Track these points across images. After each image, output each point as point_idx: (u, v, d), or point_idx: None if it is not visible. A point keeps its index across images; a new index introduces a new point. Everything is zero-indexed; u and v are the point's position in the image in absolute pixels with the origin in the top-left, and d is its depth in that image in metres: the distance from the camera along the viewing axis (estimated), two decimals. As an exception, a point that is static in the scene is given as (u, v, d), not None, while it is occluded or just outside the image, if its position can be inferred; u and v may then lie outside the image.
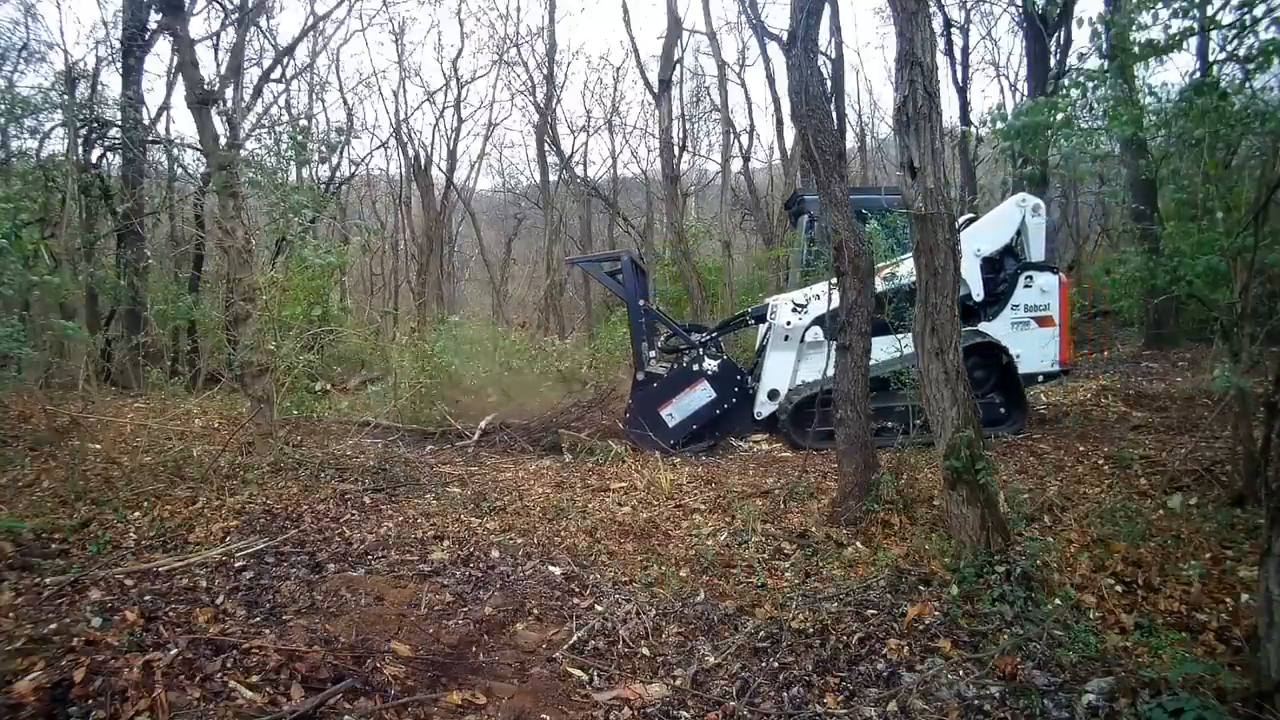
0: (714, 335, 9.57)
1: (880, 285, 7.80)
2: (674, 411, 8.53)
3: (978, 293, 8.39)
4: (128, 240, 13.67)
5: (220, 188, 7.70)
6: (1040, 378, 8.69)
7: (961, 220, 9.43)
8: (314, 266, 10.48)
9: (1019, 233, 8.62)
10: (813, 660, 3.51)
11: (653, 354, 9.16)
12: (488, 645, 3.77)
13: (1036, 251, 8.60)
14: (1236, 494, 5.14)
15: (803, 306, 8.57)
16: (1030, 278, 8.48)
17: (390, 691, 3.16)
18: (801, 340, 8.53)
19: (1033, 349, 8.36)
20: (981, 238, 8.48)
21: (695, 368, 8.69)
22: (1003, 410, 8.41)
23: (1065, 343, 8.59)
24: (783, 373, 8.60)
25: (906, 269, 7.86)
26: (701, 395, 8.57)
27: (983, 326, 8.42)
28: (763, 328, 9.34)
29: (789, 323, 8.58)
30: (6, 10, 17.09)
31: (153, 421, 8.46)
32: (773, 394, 8.66)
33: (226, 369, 9.16)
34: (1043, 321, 8.42)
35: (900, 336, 7.15)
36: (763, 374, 8.74)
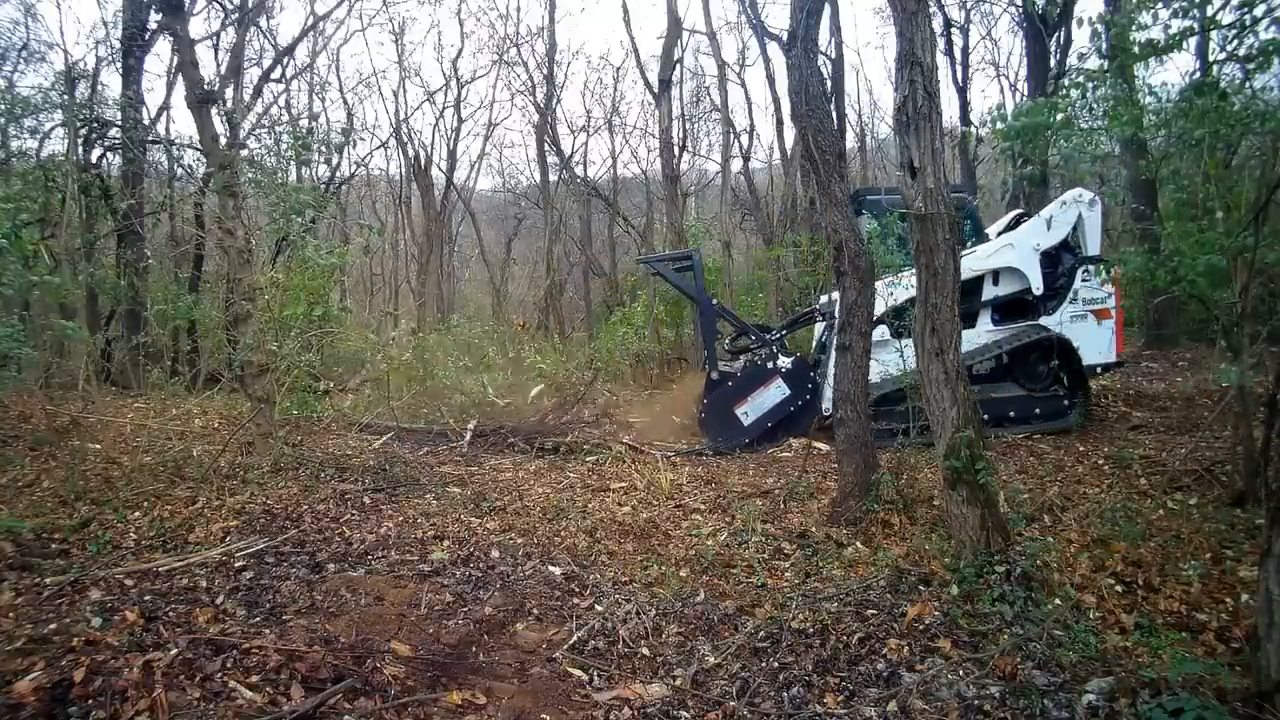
0: (783, 333, 9.58)
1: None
2: (749, 410, 8.56)
3: (1038, 287, 8.46)
4: (128, 240, 13.66)
5: (220, 188, 7.70)
6: (1098, 369, 8.80)
7: (1013, 215, 9.56)
8: (315, 266, 10.48)
9: (1075, 227, 8.68)
10: (813, 660, 3.51)
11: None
12: (488, 645, 3.77)
13: (1093, 245, 8.68)
14: (1236, 494, 5.14)
15: None
16: (1088, 271, 8.56)
17: (390, 691, 3.15)
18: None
19: (1091, 341, 8.46)
20: (1040, 233, 8.56)
21: (770, 365, 8.70)
22: (1066, 403, 8.49)
23: (1121, 334, 8.69)
24: None
25: (965, 264, 8.10)
26: (775, 393, 8.59)
27: (1043, 320, 8.54)
28: (820, 326, 9.40)
29: None
30: (6, 10, 17.14)
31: (153, 421, 8.47)
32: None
33: (227, 369, 9.14)
34: (1100, 314, 8.53)
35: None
36: (830, 371, 8.79)
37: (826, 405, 8.63)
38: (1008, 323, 8.65)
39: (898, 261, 7.28)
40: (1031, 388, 8.52)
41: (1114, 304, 8.55)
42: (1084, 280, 8.51)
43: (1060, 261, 8.79)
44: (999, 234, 9.21)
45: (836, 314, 7.55)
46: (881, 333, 8.17)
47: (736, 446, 8.11)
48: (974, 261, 8.35)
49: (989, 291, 8.64)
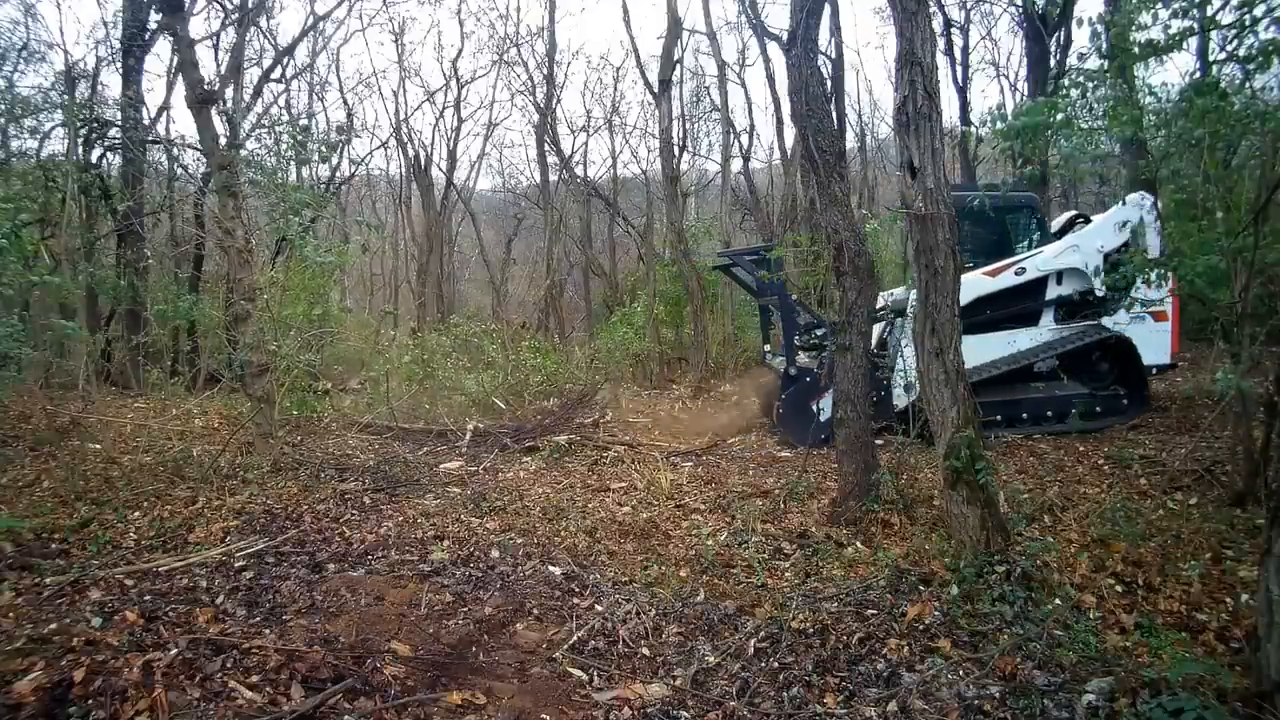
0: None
1: (994, 284, 8.33)
2: (827, 405, 8.60)
3: (1100, 288, 8.61)
4: (128, 240, 13.65)
5: (220, 188, 7.70)
6: (1153, 369, 8.96)
7: (1069, 216, 9.66)
8: (315, 266, 10.48)
9: (1135, 230, 8.78)
10: (813, 660, 3.51)
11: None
12: (488, 645, 3.77)
13: (1153, 248, 8.75)
14: (1236, 494, 5.14)
15: None
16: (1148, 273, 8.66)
17: (390, 691, 3.16)
18: None
19: (1149, 342, 8.59)
20: (1104, 235, 8.71)
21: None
22: (1125, 402, 8.66)
23: (1176, 336, 8.83)
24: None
25: (1034, 263, 8.47)
26: None
27: (1104, 321, 8.68)
28: (878, 326, 9.49)
29: None
30: (6, 10, 17.10)
31: (153, 421, 8.47)
32: (909, 387, 8.79)
33: (226, 369, 9.15)
34: (1158, 316, 8.62)
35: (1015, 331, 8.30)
36: (899, 366, 8.85)
37: (898, 401, 8.75)
38: (1069, 322, 8.77)
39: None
40: (1094, 386, 8.71)
41: (1170, 307, 8.67)
42: (1142, 282, 8.67)
43: (1121, 263, 8.95)
44: (1055, 235, 9.34)
45: (909, 310, 7.89)
46: None
47: (814, 441, 8.19)
48: (1041, 262, 8.58)
49: (1053, 291, 8.80)
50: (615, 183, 24.70)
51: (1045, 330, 8.70)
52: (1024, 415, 8.32)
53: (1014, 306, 8.55)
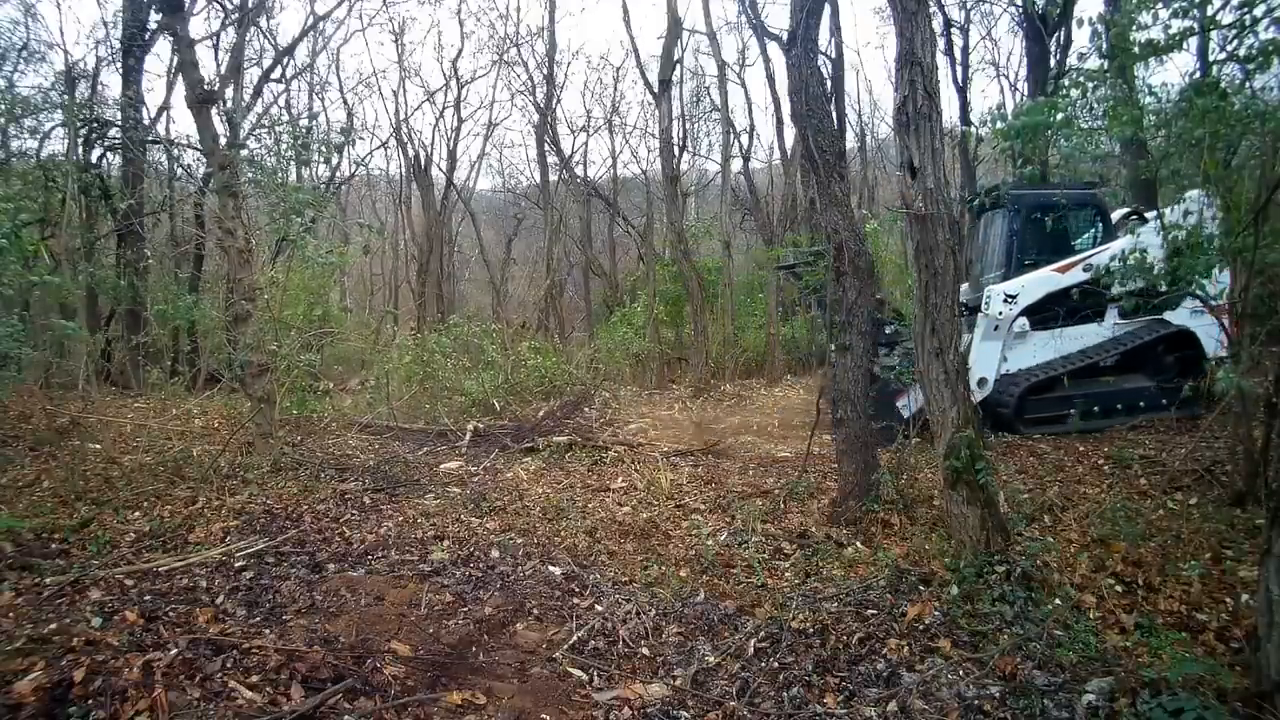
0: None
1: (1065, 280, 8.38)
2: (909, 403, 8.67)
3: (1163, 284, 8.66)
4: (128, 240, 13.66)
5: (220, 188, 7.70)
6: (1213, 362, 9.00)
7: (1126, 211, 9.73)
8: (315, 266, 10.48)
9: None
10: (813, 660, 3.51)
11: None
12: (488, 645, 3.77)
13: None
14: (1236, 494, 5.14)
15: (1013, 297, 8.80)
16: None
17: (390, 691, 3.15)
18: (1009, 330, 8.84)
19: (1208, 335, 8.67)
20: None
21: None
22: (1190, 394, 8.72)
23: (1235, 330, 8.91)
24: (990, 361, 8.86)
25: (1101, 259, 8.40)
26: None
27: (1166, 315, 8.73)
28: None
29: (1000, 313, 8.81)
30: (6, 10, 17.10)
31: (153, 421, 8.47)
32: (981, 382, 8.90)
33: (227, 369, 9.15)
34: (1217, 310, 8.69)
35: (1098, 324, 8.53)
36: (970, 362, 8.95)
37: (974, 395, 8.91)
38: (1132, 317, 8.84)
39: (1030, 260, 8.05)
40: (1160, 379, 8.79)
41: (1228, 299, 8.80)
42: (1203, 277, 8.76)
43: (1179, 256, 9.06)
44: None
45: (984, 305, 8.41)
46: (1023, 325, 8.75)
47: (896, 440, 8.29)
48: (1107, 258, 8.61)
49: (1117, 287, 8.88)
50: (615, 183, 24.72)
51: (1110, 325, 8.83)
52: (1095, 409, 8.46)
53: (1081, 302, 8.67)
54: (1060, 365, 8.55)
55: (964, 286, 9.93)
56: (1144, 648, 3.44)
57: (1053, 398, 8.60)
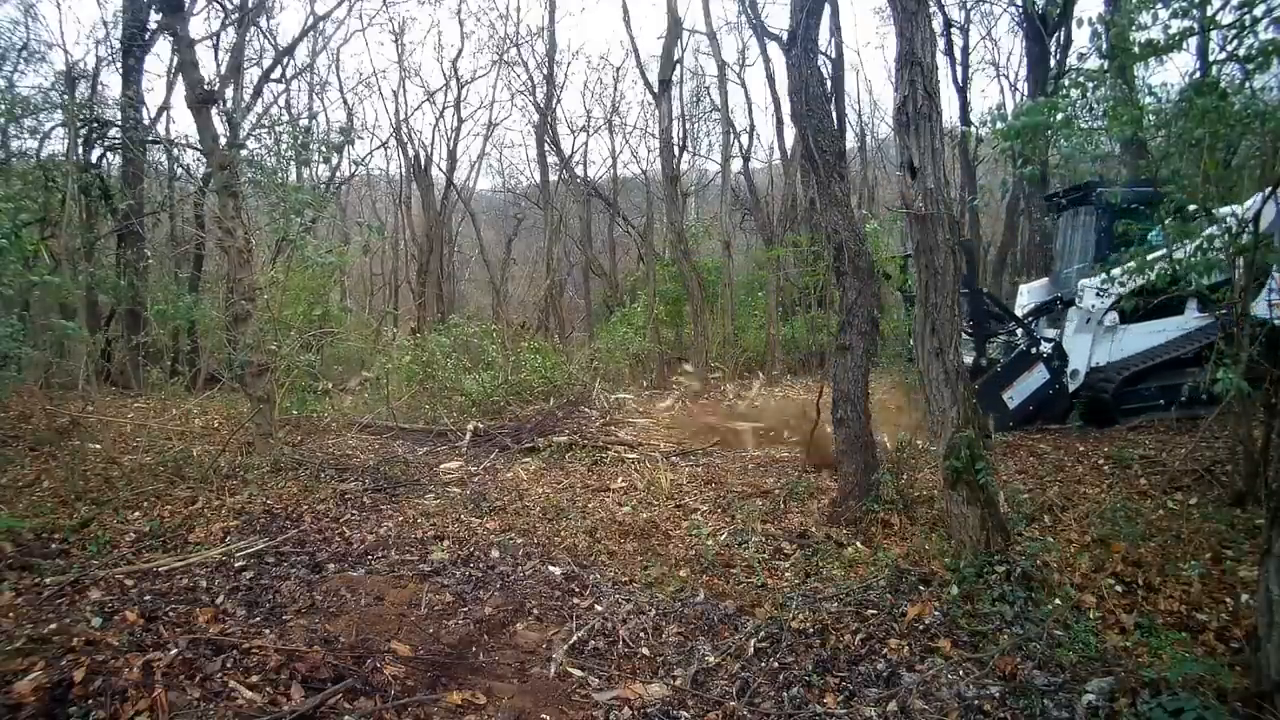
0: (1034, 319, 9.82)
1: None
2: (1014, 395, 8.76)
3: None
4: (128, 240, 13.66)
5: (220, 188, 7.70)
6: None
7: (1193, 208, 9.80)
8: (315, 266, 10.48)
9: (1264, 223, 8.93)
10: (813, 660, 3.51)
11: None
12: (488, 645, 3.77)
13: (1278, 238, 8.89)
14: (1236, 494, 5.14)
15: (1104, 291, 8.81)
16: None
17: (390, 691, 3.15)
18: (1100, 323, 8.94)
19: None
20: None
21: (1033, 350, 8.93)
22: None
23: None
24: (1082, 354, 8.96)
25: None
26: (1038, 377, 8.84)
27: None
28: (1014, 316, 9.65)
29: (1093, 306, 8.87)
30: (6, 10, 17.08)
31: (153, 421, 8.48)
32: (1073, 374, 9.00)
33: (226, 369, 9.15)
34: None
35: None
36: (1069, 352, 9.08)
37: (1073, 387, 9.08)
38: (1210, 310, 8.91)
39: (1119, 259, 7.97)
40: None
41: None
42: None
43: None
44: None
45: (1077, 299, 8.61)
46: (1113, 318, 8.90)
47: (1002, 430, 8.29)
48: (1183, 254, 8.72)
49: (1196, 282, 8.95)
50: (615, 183, 24.72)
51: (1191, 319, 8.86)
52: (1184, 400, 8.42)
53: (1162, 296, 8.76)
54: (1148, 358, 8.65)
55: (1043, 282, 10.30)
56: (1144, 648, 3.44)
57: (1146, 389, 8.71)
